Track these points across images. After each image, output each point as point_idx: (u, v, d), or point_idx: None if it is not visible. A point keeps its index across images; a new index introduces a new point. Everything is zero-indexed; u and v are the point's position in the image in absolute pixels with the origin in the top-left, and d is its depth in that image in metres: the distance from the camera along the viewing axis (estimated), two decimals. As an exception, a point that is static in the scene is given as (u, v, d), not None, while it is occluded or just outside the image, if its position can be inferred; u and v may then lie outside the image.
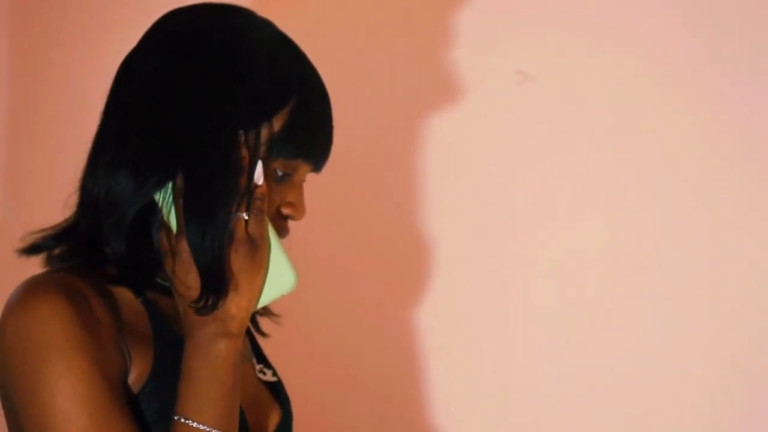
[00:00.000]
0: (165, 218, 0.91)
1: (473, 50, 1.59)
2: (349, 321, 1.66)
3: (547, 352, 1.52)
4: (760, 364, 1.41)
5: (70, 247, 0.95)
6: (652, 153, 1.48)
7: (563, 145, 1.53)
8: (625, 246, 1.49)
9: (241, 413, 0.94)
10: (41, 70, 2.00)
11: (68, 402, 0.84)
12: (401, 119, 1.64)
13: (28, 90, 2.02)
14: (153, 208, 0.92)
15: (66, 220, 0.97)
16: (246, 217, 0.89)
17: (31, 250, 0.96)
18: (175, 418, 0.87)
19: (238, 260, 0.88)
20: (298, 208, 0.98)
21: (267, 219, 0.91)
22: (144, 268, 0.94)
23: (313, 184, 1.03)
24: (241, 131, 0.91)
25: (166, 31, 0.97)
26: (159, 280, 0.95)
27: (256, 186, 0.90)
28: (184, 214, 0.88)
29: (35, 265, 0.96)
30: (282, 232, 0.96)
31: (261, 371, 1.09)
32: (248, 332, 1.12)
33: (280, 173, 0.95)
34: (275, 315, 1.12)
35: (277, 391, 1.09)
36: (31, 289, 0.88)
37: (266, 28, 0.97)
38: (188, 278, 0.88)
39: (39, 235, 0.96)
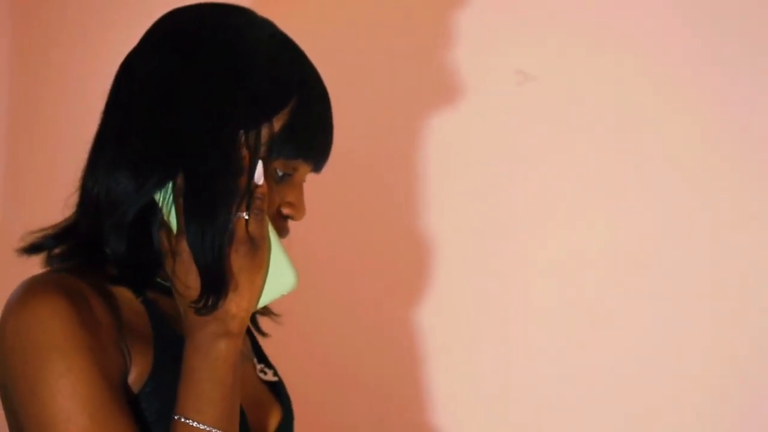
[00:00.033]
0: (165, 218, 0.91)
1: (473, 50, 1.59)
2: (349, 321, 1.66)
3: (547, 352, 1.52)
4: (760, 364, 1.41)
5: (70, 247, 0.95)
6: (652, 153, 1.48)
7: (563, 146, 1.53)
8: (625, 246, 1.49)
9: (242, 413, 0.94)
10: (41, 70, 2.00)
11: (68, 402, 0.84)
12: (401, 119, 1.64)
13: (28, 90, 2.02)
14: (153, 208, 0.92)
15: (66, 219, 0.97)
16: (246, 217, 0.90)
17: (31, 249, 0.96)
18: (175, 417, 0.87)
19: (238, 260, 0.88)
20: (298, 208, 0.98)
21: (267, 219, 0.91)
22: (144, 268, 0.94)
23: (313, 184, 1.03)
24: (242, 131, 0.91)
25: (166, 31, 0.97)
26: (159, 280, 0.95)
27: (257, 186, 0.91)
28: (184, 214, 0.88)
29: (35, 265, 0.96)
30: (282, 232, 0.97)
31: (262, 371, 1.09)
32: (249, 332, 1.12)
33: (280, 173, 0.95)
34: (275, 315, 1.12)
35: (277, 390, 1.09)
36: (31, 289, 0.88)
37: (267, 28, 0.97)
38: (188, 278, 0.88)
39: (39, 235, 0.96)
